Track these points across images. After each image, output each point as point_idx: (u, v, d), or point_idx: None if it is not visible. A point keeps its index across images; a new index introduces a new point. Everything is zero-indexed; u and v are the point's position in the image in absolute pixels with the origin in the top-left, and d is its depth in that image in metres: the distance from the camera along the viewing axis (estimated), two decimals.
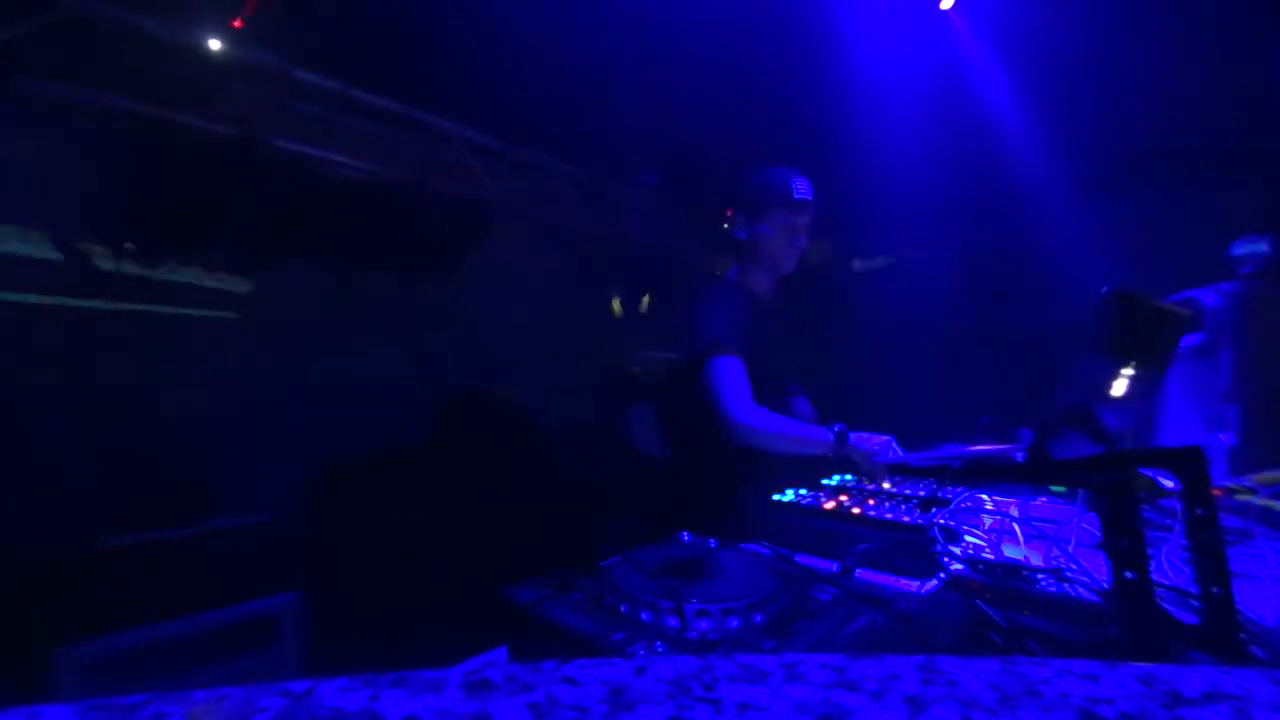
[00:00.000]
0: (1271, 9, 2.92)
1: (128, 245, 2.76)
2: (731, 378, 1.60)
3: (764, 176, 1.78)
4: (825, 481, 1.44)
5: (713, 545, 0.97)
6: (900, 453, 1.40)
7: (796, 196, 1.73)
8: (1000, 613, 0.77)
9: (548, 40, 2.96)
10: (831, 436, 1.43)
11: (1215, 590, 0.64)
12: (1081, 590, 0.84)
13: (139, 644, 1.95)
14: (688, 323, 1.74)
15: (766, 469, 1.57)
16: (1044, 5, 3.01)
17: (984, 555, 0.98)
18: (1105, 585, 0.79)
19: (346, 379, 3.30)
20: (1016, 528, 1.10)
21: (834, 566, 0.91)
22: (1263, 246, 2.64)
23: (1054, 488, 1.42)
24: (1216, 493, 1.04)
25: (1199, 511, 0.66)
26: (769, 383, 1.76)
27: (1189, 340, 2.20)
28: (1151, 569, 0.64)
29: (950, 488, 1.30)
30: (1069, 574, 0.88)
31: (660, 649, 0.66)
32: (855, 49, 3.29)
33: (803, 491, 1.30)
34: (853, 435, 1.43)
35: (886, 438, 1.42)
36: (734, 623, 0.70)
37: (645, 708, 0.29)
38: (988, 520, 1.18)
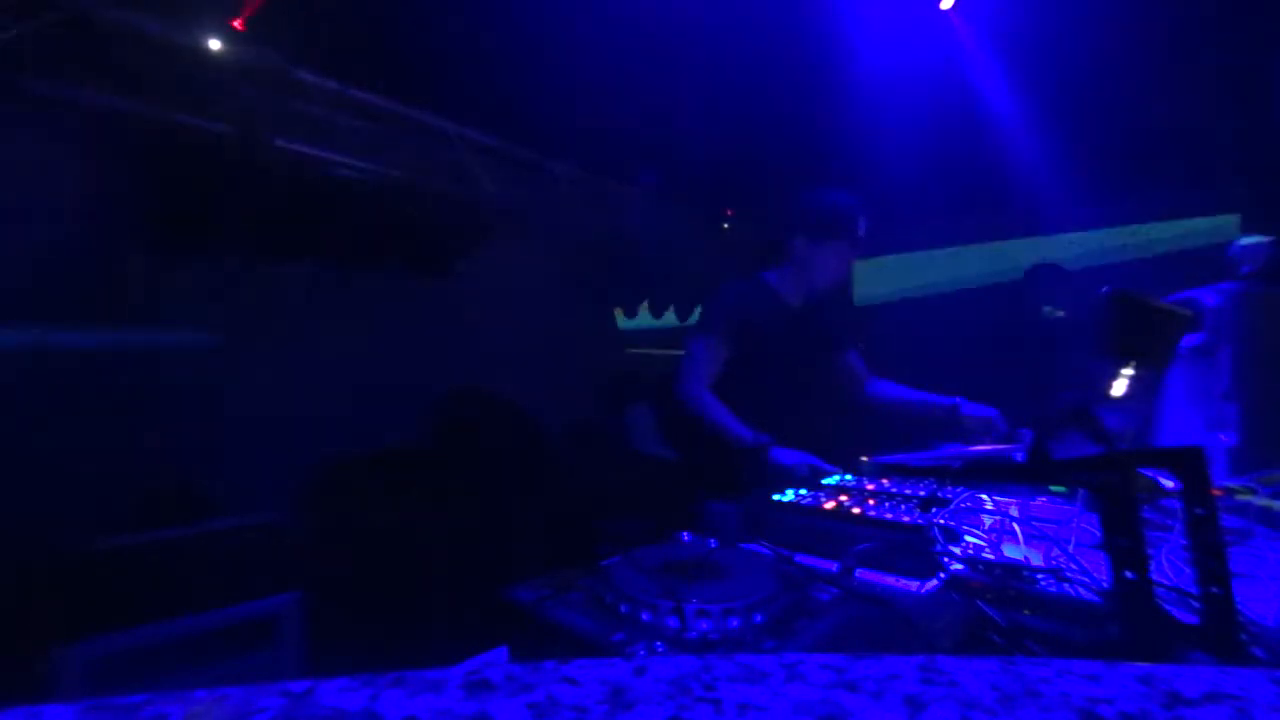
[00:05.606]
0: (1272, 8, 2.92)
1: (128, 243, 2.76)
2: (699, 357, 1.73)
3: (837, 204, 1.82)
4: (825, 481, 1.44)
5: (713, 545, 0.96)
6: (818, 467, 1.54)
7: (861, 234, 1.81)
8: (1000, 613, 0.77)
9: (548, 40, 2.96)
10: (750, 440, 1.58)
11: (1215, 590, 0.64)
12: (1081, 590, 0.84)
13: (139, 644, 1.95)
14: (703, 306, 1.88)
15: (767, 469, 1.58)
16: (1044, 5, 3.01)
17: (984, 555, 0.98)
18: (1105, 585, 0.79)
19: (346, 379, 3.30)
20: (1016, 528, 1.10)
21: (834, 566, 0.91)
22: (1263, 246, 2.64)
23: (1054, 488, 1.42)
24: (1216, 493, 1.04)
25: (1199, 511, 0.66)
26: (789, 384, 1.84)
27: (1189, 340, 2.20)
28: (1151, 569, 0.64)
29: (950, 488, 1.30)
30: (1069, 574, 0.88)
31: (660, 649, 0.66)
32: (854, 49, 3.28)
33: (803, 491, 1.30)
34: (775, 450, 1.56)
35: (802, 454, 1.56)
36: (734, 623, 0.70)
37: (645, 708, 0.29)
38: (988, 520, 1.18)
